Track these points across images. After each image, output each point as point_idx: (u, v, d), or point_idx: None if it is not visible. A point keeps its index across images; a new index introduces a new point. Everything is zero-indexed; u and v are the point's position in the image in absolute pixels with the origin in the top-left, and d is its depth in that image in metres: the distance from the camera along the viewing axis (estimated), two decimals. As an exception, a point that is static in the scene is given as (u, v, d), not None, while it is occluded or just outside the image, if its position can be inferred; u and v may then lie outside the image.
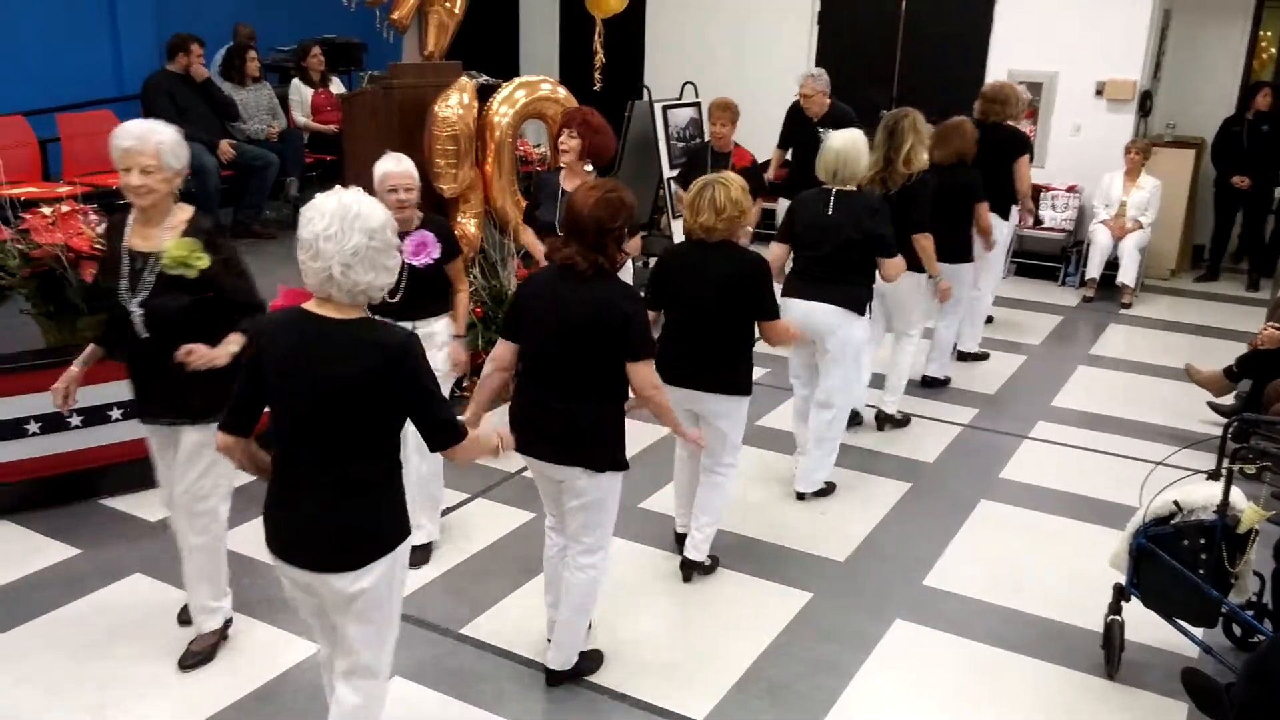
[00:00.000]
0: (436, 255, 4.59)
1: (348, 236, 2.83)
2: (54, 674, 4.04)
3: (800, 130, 8.30)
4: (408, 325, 4.43)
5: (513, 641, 4.30)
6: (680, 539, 4.99)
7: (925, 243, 6.12)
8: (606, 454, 3.80)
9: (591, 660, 4.16)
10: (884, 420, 6.59)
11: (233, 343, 3.80)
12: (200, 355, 3.72)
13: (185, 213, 3.87)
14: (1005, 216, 7.78)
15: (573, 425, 3.76)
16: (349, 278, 2.87)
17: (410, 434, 4.92)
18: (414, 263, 4.55)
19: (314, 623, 3.30)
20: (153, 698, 3.92)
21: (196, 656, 4.10)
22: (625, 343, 3.70)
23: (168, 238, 3.77)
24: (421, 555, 4.87)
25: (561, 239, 3.87)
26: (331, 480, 3.00)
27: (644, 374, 3.78)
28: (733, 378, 4.60)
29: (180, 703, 3.90)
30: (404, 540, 3.14)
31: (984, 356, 7.96)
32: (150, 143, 3.67)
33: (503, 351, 3.93)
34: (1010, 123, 7.67)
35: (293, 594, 3.23)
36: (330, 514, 3.01)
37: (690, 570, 4.84)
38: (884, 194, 5.95)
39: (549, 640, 4.11)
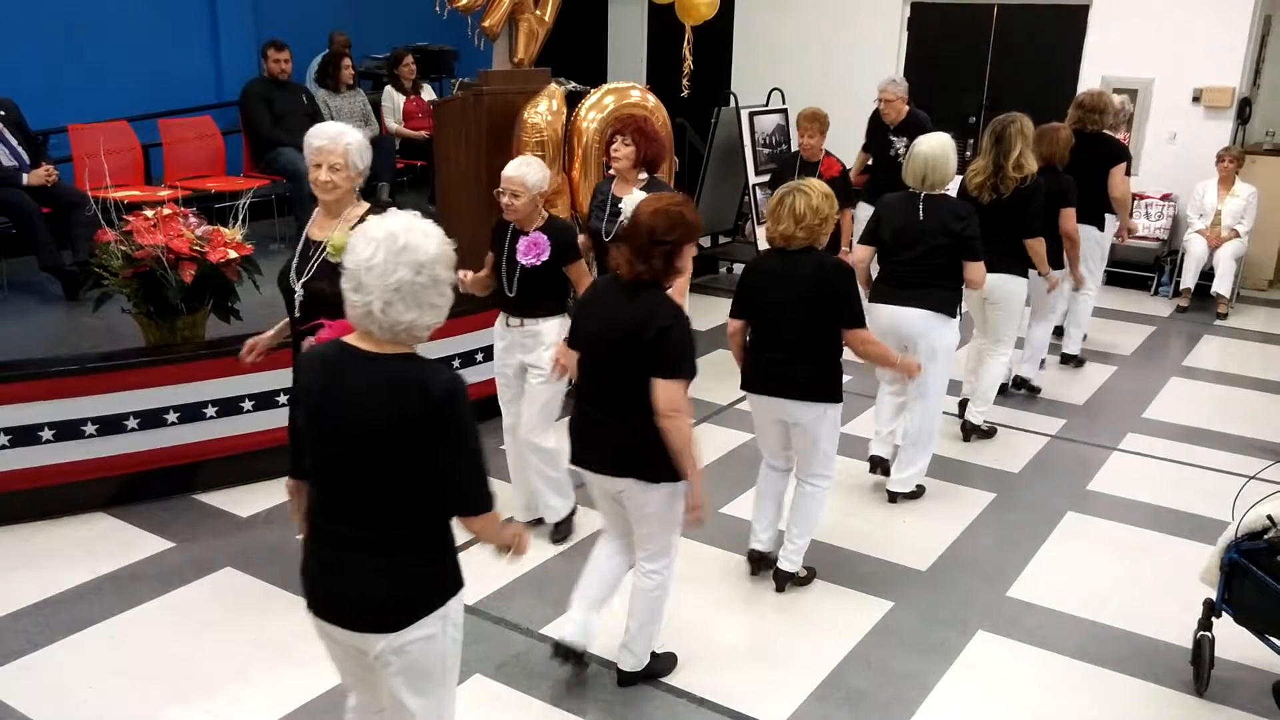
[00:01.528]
0: (545, 257, 4.74)
1: (392, 270, 2.54)
2: (148, 661, 4.18)
3: (875, 136, 8.39)
4: (518, 322, 4.85)
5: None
6: (754, 556, 4.92)
7: (1038, 246, 6.15)
8: (656, 467, 3.71)
9: (664, 662, 4.18)
10: (970, 430, 6.51)
11: None
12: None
13: (362, 209, 4.10)
14: (1101, 227, 7.64)
15: (620, 440, 3.73)
16: (389, 315, 2.56)
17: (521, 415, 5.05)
18: (523, 261, 4.75)
19: (350, 679, 3.02)
20: (240, 688, 4.03)
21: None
22: (657, 358, 3.59)
23: (340, 229, 3.99)
24: (562, 530, 5.26)
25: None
26: (371, 535, 2.68)
27: (669, 393, 3.58)
28: (822, 384, 4.52)
29: (266, 693, 4.00)
30: (454, 596, 2.80)
31: (1082, 362, 7.89)
32: (340, 143, 3.95)
33: (568, 358, 4.05)
34: (1108, 132, 7.53)
35: (332, 652, 2.93)
36: (370, 572, 2.70)
37: (784, 581, 4.80)
38: (995, 199, 6.02)
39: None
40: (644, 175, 5.40)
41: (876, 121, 8.42)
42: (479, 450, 2.68)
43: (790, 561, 4.78)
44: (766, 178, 9.33)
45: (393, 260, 2.54)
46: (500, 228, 4.92)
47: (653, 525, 3.86)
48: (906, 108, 8.12)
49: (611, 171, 5.45)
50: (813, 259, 4.47)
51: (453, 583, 2.80)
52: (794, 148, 9.61)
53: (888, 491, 5.69)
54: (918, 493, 5.70)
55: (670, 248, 3.62)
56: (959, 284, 5.38)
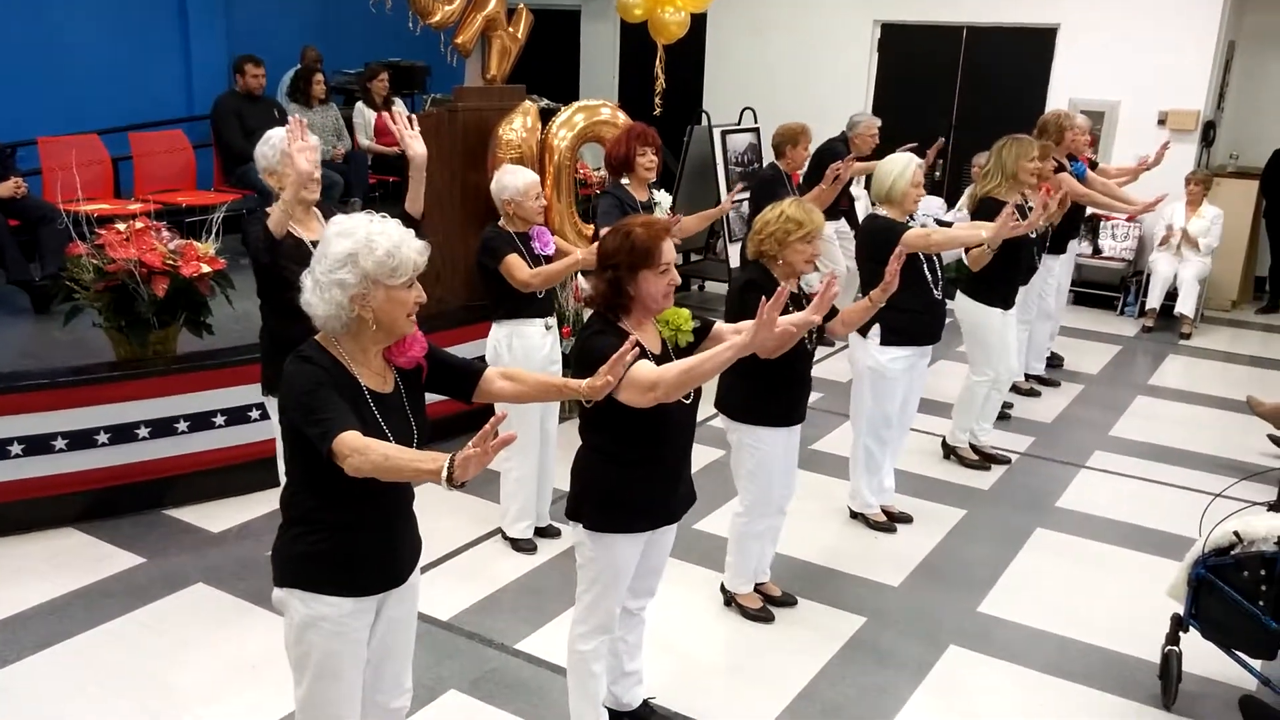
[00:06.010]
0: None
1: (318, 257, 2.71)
2: (116, 679, 4.13)
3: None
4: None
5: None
6: None
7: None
8: (580, 504, 3.47)
9: None
10: (947, 450, 6.58)
11: None
12: None
13: None
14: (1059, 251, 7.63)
15: (573, 470, 3.55)
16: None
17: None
18: (548, 253, 5.03)
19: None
20: (211, 704, 4.00)
21: None
22: None
23: None
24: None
25: None
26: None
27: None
28: (731, 400, 4.45)
29: (238, 710, 3.97)
30: (313, 589, 2.79)
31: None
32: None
33: None
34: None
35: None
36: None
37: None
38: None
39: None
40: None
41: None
42: (306, 423, 2.68)
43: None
44: (743, 196, 9.36)
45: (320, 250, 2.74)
46: (521, 238, 4.97)
47: (580, 575, 3.57)
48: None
49: (626, 181, 5.59)
50: None
51: (311, 572, 2.83)
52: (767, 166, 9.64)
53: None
54: (866, 519, 5.69)
55: (613, 274, 3.25)
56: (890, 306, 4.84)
